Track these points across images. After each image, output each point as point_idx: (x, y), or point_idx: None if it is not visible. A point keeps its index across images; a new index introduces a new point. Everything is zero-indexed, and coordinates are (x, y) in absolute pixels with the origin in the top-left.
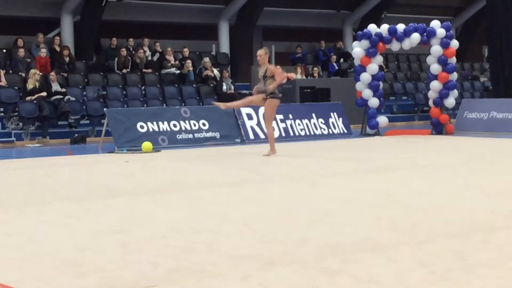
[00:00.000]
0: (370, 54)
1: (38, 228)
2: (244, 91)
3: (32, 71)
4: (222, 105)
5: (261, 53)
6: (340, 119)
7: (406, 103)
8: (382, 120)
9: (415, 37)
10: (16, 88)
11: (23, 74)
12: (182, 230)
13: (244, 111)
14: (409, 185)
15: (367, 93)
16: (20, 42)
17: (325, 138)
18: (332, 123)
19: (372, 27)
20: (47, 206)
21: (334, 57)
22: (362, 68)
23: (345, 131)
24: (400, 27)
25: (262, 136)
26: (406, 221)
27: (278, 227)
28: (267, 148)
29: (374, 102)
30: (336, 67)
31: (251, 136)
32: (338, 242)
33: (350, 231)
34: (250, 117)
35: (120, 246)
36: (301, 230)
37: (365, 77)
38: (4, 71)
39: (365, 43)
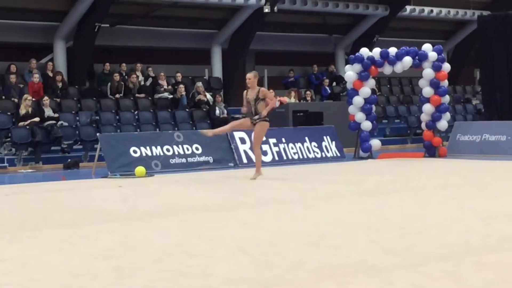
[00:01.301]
0: (362, 77)
1: (31, 254)
2: (237, 115)
3: (25, 96)
4: (209, 132)
5: (251, 77)
6: (333, 142)
7: (399, 126)
8: (375, 143)
9: (407, 60)
10: (9, 113)
11: (16, 100)
12: (176, 254)
13: (237, 135)
14: (402, 207)
15: (359, 116)
16: (13, 67)
17: (318, 162)
18: (325, 146)
19: (364, 51)
20: (40, 231)
21: (326, 81)
22: (355, 92)
23: (338, 154)
24: (392, 50)
25: (255, 160)
26: (400, 243)
27: (272, 250)
28: (253, 172)
29: (367, 125)
30: (329, 91)
31: (244, 160)
32: (333, 265)
33: (344, 254)
34: (243, 141)
35: (113, 271)
36: (296, 253)
37: (358, 100)
38: None
39: (358, 66)
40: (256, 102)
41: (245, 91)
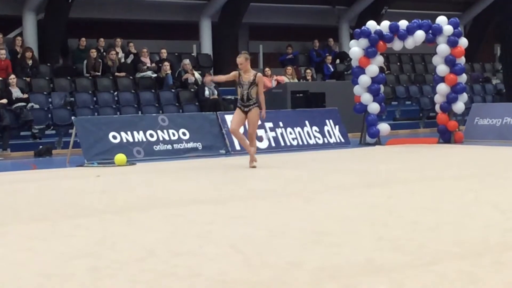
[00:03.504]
0: (369, 54)
1: None
2: (229, 97)
3: None
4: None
5: (242, 61)
6: (337, 126)
7: (410, 108)
8: (384, 127)
9: (420, 35)
10: None
11: None
12: (160, 252)
13: (229, 118)
14: (413, 200)
15: (366, 97)
16: None
17: (320, 148)
18: (328, 131)
19: (371, 24)
20: (8, 227)
21: (329, 58)
22: (361, 70)
23: (342, 140)
24: (403, 24)
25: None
26: (410, 240)
27: (268, 249)
28: (247, 160)
29: (374, 107)
30: (332, 69)
31: (237, 147)
32: (336, 265)
33: (348, 252)
34: None
35: (90, 272)
36: (294, 252)
37: (364, 80)
38: None
39: (364, 42)
40: (250, 87)
41: (237, 72)
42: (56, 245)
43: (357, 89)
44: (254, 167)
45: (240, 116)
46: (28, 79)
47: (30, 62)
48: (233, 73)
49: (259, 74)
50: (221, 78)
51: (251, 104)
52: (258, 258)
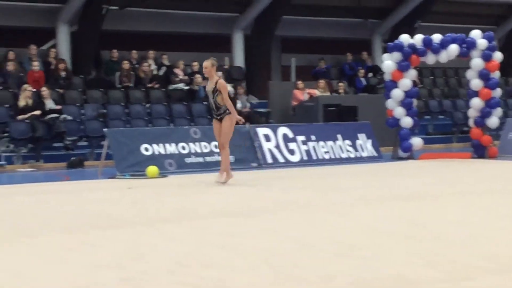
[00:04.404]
0: (402, 68)
1: (28, 263)
2: (261, 109)
3: (24, 86)
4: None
5: (207, 65)
6: (369, 140)
7: (443, 122)
8: (416, 142)
9: (453, 48)
10: (7, 106)
11: (15, 90)
12: (190, 264)
13: (261, 131)
14: (445, 214)
15: (399, 111)
16: (11, 54)
17: (352, 162)
18: (360, 145)
19: (404, 38)
20: (39, 238)
21: (361, 72)
22: (394, 84)
23: (375, 154)
24: (436, 37)
25: (281, 160)
26: (441, 255)
27: (297, 262)
28: (219, 174)
29: (407, 121)
30: (364, 83)
31: (269, 160)
32: (366, 279)
33: (379, 266)
34: (267, 138)
35: (120, 282)
36: (323, 265)
37: (397, 93)
38: None
39: (397, 55)
40: (215, 94)
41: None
42: (87, 255)
43: (390, 103)
44: (223, 183)
45: (217, 127)
46: (61, 91)
47: (63, 73)
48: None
49: (220, 81)
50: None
51: (222, 112)
52: (287, 271)
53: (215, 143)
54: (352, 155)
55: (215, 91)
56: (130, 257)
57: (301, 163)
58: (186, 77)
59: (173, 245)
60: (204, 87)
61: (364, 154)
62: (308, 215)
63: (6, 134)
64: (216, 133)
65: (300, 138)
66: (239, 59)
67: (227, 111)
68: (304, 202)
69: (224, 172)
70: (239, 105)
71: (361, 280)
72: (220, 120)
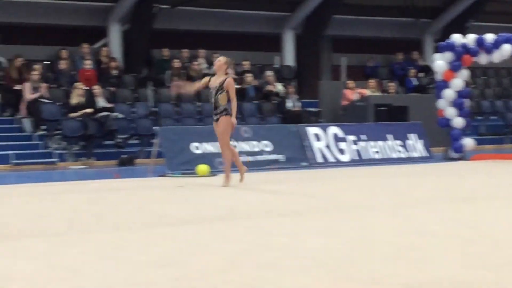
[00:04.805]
0: (454, 67)
1: (82, 260)
2: (311, 109)
3: (76, 85)
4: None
5: (222, 59)
6: (420, 141)
7: (496, 123)
8: (468, 142)
9: (507, 48)
10: (59, 103)
11: (67, 88)
12: (242, 264)
13: (311, 131)
14: (499, 216)
15: (450, 111)
16: (63, 53)
17: (403, 162)
18: (411, 145)
19: (456, 38)
20: (92, 235)
21: (412, 71)
22: (445, 84)
23: (425, 154)
24: (489, 37)
25: (331, 159)
26: (497, 257)
27: (350, 262)
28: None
29: (458, 122)
30: (415, 83)
31: (319, 159)
32: (420, 281)
33: (433, 268)
34: (318, 138)
35: (172, 281)
36: (377, 266)
37: (449, 93)
38: (47, 84)
39: (449, 55)
40: (218, 92)
41: (208, 78)
42: (139, 254)
43: (441, 103)
44: (226, 186)
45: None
46: (112, 89)
47: (114, 72)
48: (204, 79)
49: (229, 79)
50: (193, 87)
51: (219, 112)
52: (340, 271)
53: (266, 142)
54: (403, 155)
55: (220, 88)
56: (183, 255)
57: (351, 163)
58: (236, 76)
59: (226, 244)
60: (254, 86)
61: (415, 155)
62: (360, 216)
63: (58, 132)
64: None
65: (351, 137)
66: (289, 59)
67: (224, 112)
68: (356, 202)
69: (239, 173)
70: (289, 104)
71: (415, 282)
72: (217, 120)
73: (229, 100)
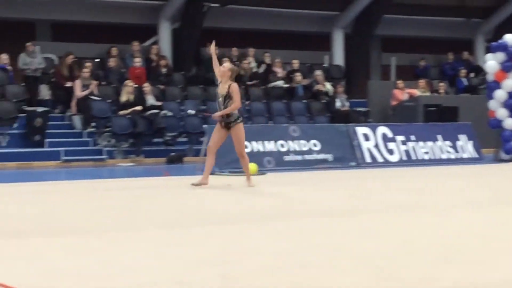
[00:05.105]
0: (506, 68)
1: (132, 257)
2: (360, 109)
3: (126, 82)
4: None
5: (229, 66)
6: (470, 142)
7: None
8: None
9: None
10: (109, 101)
11: (117, 86)
12: (290, 263)
13: (360, 131)
14: None
15: (502, 112)
16: (113, 51)
17: (452, 163)
18: (461, 146)
19: (508, 38)
20: (141, 232)
21: (463, 72)
22: (497, 84)
23: (476, 155)
24: None
25: (380, 159)
26: None
27: (399, 263)
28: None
29: (510, 123)
30: (466, 83)
31: (368, 159)
32: (470, 284)
33: (483, 271)
34: (367, 138)
35: (222, 280)
36: (426, 267)
37: (500, 94)
38: (97, 82)
39: (501, 55)
40: (226, 100)
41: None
42: (188, 252)
43: (492, 104)
44: (253, 186)
45: (220, 134)
46: (162, 87)
47: (164, 70)
48: (219, 69)
49: (233, 84)
50: (214, 56)
51: (232, 120)
52: (390, 272)
53: (314, 141)
54: (452, 156)
55: (228, 96)
56: (232, 254)
57: (400, 163)
58: (285, 74)
59: (274, 243)
60: (303, 85)
61: (465, 156)
62: (410, 217)
63: (108, 129)
64: (216, 139)
65: (400, 138)
66: (338, 58)
67: (238, 119)
68: (405, 203)
69: (250, 176)
70: (338, 104)
71: (465, 284)
72: (227, 127)
73: None
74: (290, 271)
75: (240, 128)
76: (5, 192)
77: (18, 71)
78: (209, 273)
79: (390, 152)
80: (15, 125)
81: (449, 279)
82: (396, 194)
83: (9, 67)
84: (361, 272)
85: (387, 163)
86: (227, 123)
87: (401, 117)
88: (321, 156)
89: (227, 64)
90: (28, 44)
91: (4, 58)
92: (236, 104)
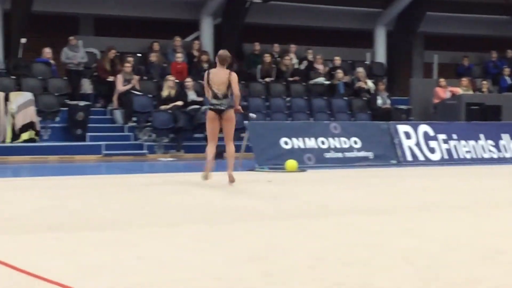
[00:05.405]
0: None
1: (169, 252)
2: (402, 106)
3: (167, 77)
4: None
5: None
6: None
7: None
8: None
9: None
10: (150, 96)
11: (158, 81)
12: (330, 261)
13: (401, 128)
14: None
15: None
16: (155, 46)
17: (495, 163)
18: (504, 145)
19: None
20: (179, 227)
21: (506, 70)
22: None
23: None
24: None
25: (421, 158)
26: None
27: (440, 262)
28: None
29: None
30: (509, 82)
31: (409, 158)
32: None
33: None
34: (408, 136)
35: (261, 276)
36: (469, 267)
37: None
38: (139, 76)
39: None
40: (228, 88)
41: (207, 72)
42: (226, 248)
43: None
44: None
45: (214, 123)
46: (203, 82)
47: (205, 65)
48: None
49: (233, 73)
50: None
51: (227, 104)
52: (431, 271)
53: (355, 138)
54: (495, 156)
55: (228, 84)
56: (271, 250)
57: (442, 162)
58: (326, 71)
59: (314, 240)
60: (345, 82)
61: (508, 155)
62: (451, 216)
63: (148, 124)
64: (215, 128)
65: (441, 136)
66: (380, 55)
67: (231, 106)
68: (447, 202)
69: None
70: (379, 101)
71: (507, 285)
72: (220, 113)
73: (231, 94)
74: (332, 268)
75: (232, 114)
76: (46, 185)
77: (61, 65)
78: (249, 269)
79: (432, 150)
80: (57, 118)
81: (492, 280)
82: (437, 193)
83: (52, 61)
84: (403, 272)
85: (428, 162)
86: (222, 104)
87: (443, 116)
88: (362, 153)
89: (222, 51)
90: (71, 38)
91: (47, 52)
92: (238, 93)
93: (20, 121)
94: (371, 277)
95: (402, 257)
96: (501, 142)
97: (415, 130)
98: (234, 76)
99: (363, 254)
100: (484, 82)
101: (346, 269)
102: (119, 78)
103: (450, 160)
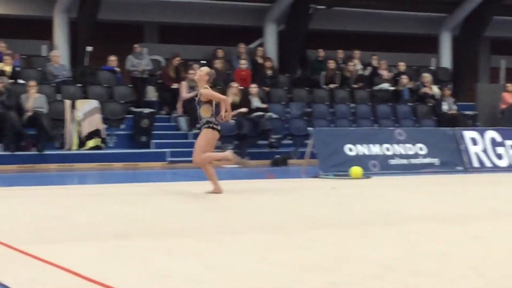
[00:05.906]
0: None
1: (235, 261)
2: (468, 112)
3: (231, 84)
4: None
5: (204, 70)
6: None
7: None
8: None
9: None
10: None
11: (222, 88)
12: (397, 270)
13: (468, 135)
14: None
15: None
16: (219, 52)
17: None
18: None
19: None
20: (244, 235)
21: None
22: None
23: None
24: None
25: (488, 164)
26: None
27: (510, 273)
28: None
29: None
30: None
31: (475, 164)
32: None
33: None
34: (474, 142)
35: (327, 285)
36: None
37: None
38: None
39: None
40: (199, 104)
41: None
42: (291, 256)
43: None
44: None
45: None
46: (267, 89)
47: (269, 72)
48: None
49: (202, 91)
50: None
51: (201, 124)
52: (502, 282)
53: (420, 145)
54: None
55: (199, 101)
56: (335, 259)
57: (510, 168)
58: (391, 76)
59: (379, 249)
60: (409, 88)
61: None
62: None
63: None
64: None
65: (509, 142)
66: (446, 60)
67: (205, 124)
68: None
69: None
70: (445, 107)
71: None
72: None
73: (212, 113)
74: (400, 279)
75: (203, 133)
76: (111, 192)
77: (126, 72)
78: (316, 279)
79: (499, 157)
80: (122, 126)
81: None
82: (505, 201)
83: (117, 69)
84: (471, 283)
85: (495, 168)
86: (200, 126)
87: (511, 121)
88: (427, 160)
89: (203, 68)
90: (135, 46)
91: (113, 59)
92: (218, 97)
93: (86, 129)
94: (441, 287)
95: (471, 267)
96: None
97: (482, 136)
98: (204, 93)
99: (431, 264)
100: None
101: (415, 279)
102: (184, 85)
103: None
